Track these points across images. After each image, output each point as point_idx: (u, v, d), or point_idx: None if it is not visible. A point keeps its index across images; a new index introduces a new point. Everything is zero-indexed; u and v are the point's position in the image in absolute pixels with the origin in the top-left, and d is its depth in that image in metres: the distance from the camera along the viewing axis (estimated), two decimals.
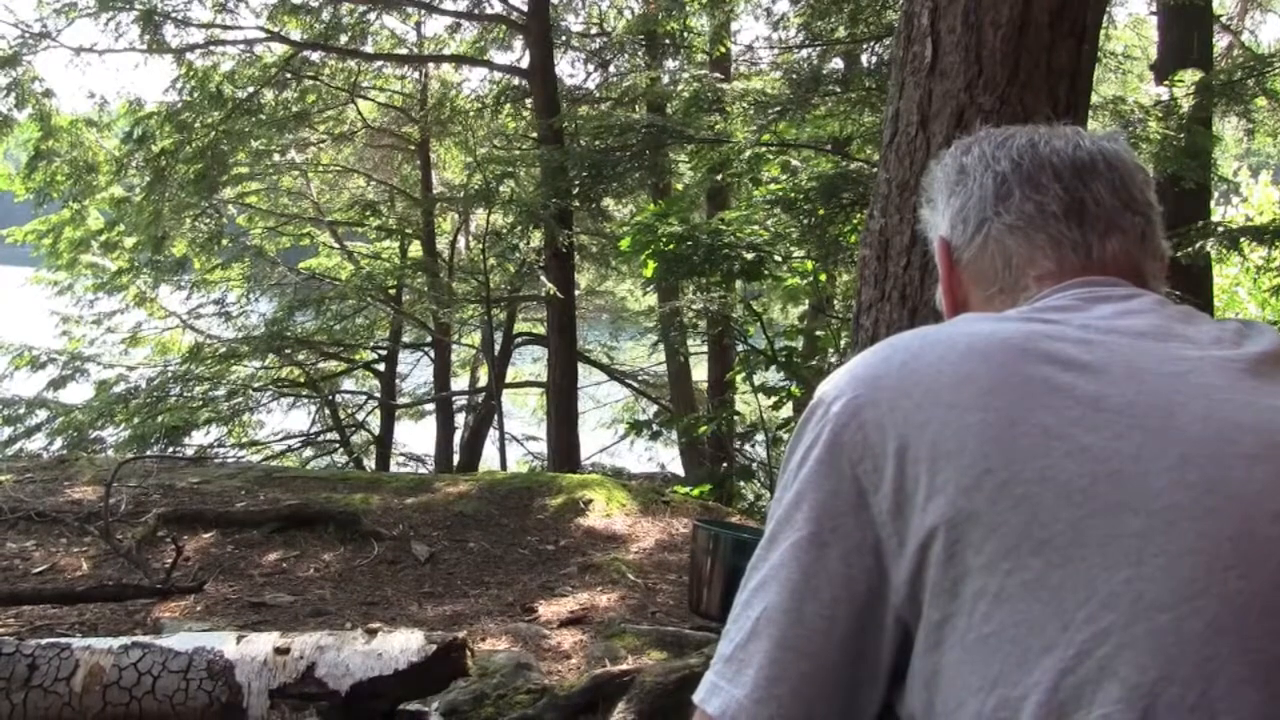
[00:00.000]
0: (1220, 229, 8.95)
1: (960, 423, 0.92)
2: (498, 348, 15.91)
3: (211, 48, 13.57)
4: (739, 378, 10.06)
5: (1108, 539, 0.87)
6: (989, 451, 0.90)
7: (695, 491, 9.09)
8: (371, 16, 14.02)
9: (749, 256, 8.51)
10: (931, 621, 0.91)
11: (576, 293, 14.84)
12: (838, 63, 11.41)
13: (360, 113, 15.96)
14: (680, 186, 14.13)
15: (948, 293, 1.22)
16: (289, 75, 13.89)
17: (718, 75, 11.89)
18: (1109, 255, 1.15)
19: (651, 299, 15.42)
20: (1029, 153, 1.20)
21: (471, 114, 15.32)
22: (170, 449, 12.82)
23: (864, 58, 10.98)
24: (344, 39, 13.75)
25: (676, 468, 15.93)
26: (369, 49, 14.58)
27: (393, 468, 15.83)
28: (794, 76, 10.50)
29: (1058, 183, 1.17)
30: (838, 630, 0.94)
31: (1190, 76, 8.50)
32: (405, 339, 17.32)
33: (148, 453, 10.92)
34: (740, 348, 10.57)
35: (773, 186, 9.55)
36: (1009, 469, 0.89)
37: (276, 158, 15.37)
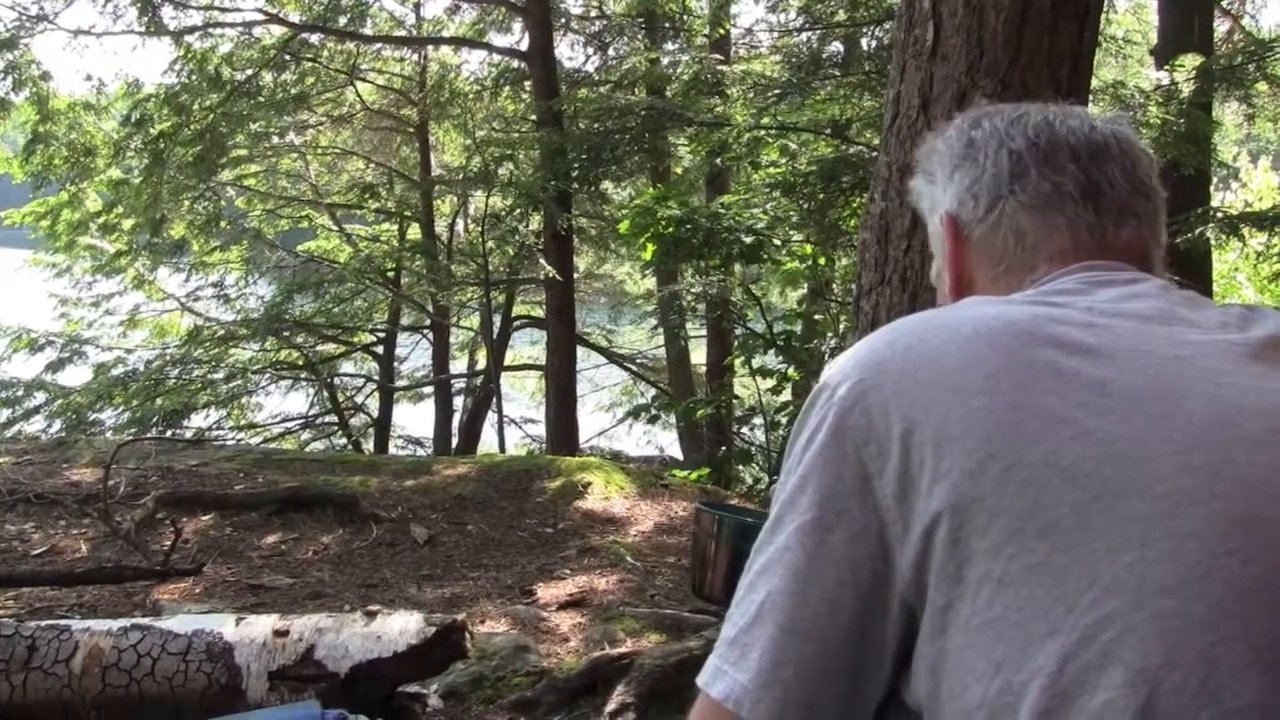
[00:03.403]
0: (1220, 215, 8.94)
1: (965, 407, 0.92)
2: (496, 330, 15.90)
3: (210, 30, 13.53)
4: (738, 361, 10.06)
5: (1112, 523, 0.86)
6: (994, 436, 0.90)
7: (694, 475, 9.09)
8: None
9: (748, 240, 8.51)
10: (936, 606, 0.91)
11: (575, 275, 14.84)
12: (837, 46, 11.39)
13: (359, 95, 15.91)
14: (680, 170, 14.13)
15: (952, 268, 1.21)
16: (287, 57, 13.85)
17: (717, 57, 11.87)
18: (1122, 240, 1.16)
19: (650, 282, 15.41)
20: (1046, 132, 1.19)
21: (470, 96, 15.30)
22: (169, 431, 12.84)
23: (864, 41, 10.96)
24: (343, 21, 13.70)
25: (675, 451, 15.95)
26: (368, 31, 14.55)
27: (391, 450, 15.86)
28: (794, 60, 10.49)
29: (1074, 164, 1.17)
30: (842, 615, 0.94)
31: (1190, 61, 8.48)
32: (404, 321, 17.33)
33: (146, 435, 10.92)
34: (739, 331, 10.56)
35: (772, 170, 9.55)
36: (1014, 453, 0.89)
37: (275, 140, 15.34)
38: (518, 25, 14.70)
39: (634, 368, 17.92)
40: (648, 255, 9.17)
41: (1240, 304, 1.10)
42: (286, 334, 15.23)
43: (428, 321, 16.85)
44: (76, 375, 14.50)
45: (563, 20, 14.70)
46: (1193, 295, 1.08)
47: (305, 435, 16.27)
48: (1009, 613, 0.87)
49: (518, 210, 13.78)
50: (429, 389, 17.16)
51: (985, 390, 0.92)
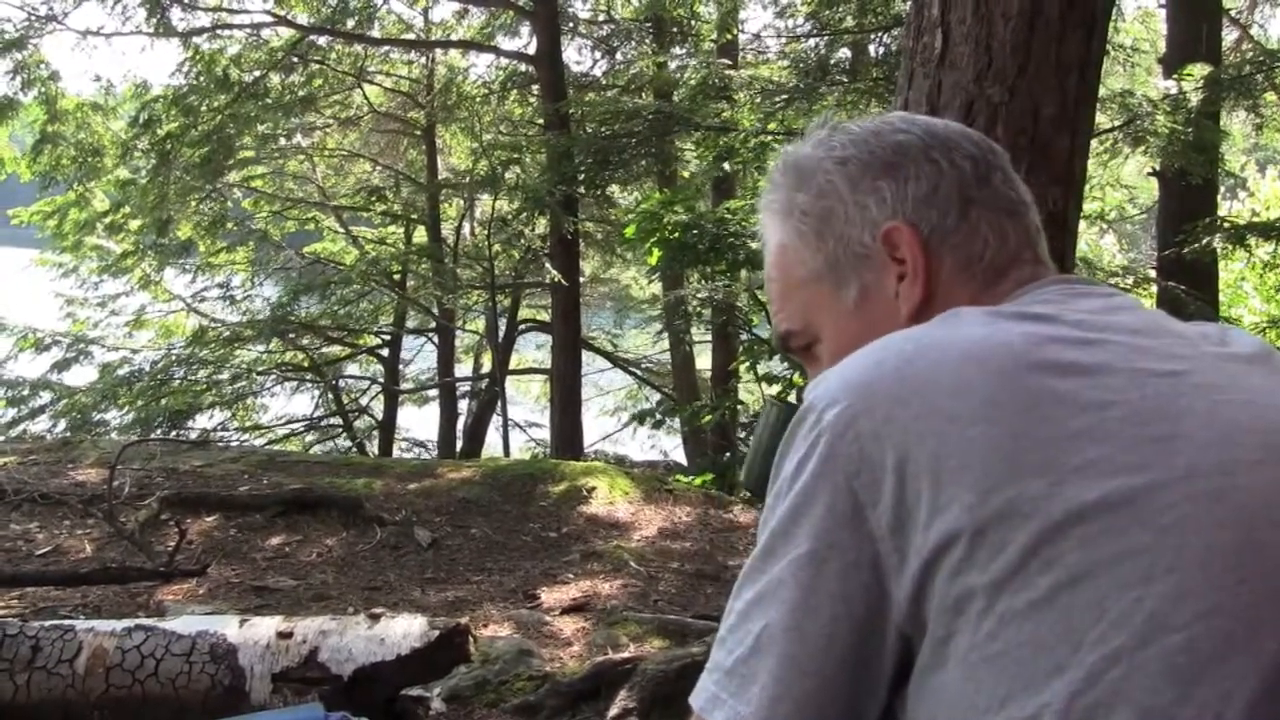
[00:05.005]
0: (1227, 224, 8.94)
1: (962, 437, 0.89)
2: (502, 334, 15.92)
3: (218, 31, 13.56)
4: (743, 367, 10.06)
5: (1116, 557, 0.84)
6: (993, 467, 0.88)
7: (698, 480, 9.09)
8: (379, 1, 14.00)
9: (754, 245, 8.49)
10: (936, 638, 0.89)
11: (581, 279, 14.86)
12: (845, 52, 11.40)
13: (366, 97, 15.94)
14: (686, 174, 14.14)
15: (921, 283, 1.13)
16: (295, 59, 13.87)
17: (725, 62, 11.89)
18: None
19: (656, 287, 15.43)
20: (979, 138, 1.18)
21: (478, 100, 15.29)
22: (174, 432, 12.85)
23: (872, 48, 10.96)
24: (351, 23, 13.72)
25: (679, 456, 15.94)
26: (376, 33, 14.56)
27: (396, 453, 15.87)
28: (801, 65, 10.49)
29: (1014, 173, 1.18)
30: (838, 647, 0.92)
31: (1198, 70, 8.47)
32: (409, 324, 17.34)
33: (151, 436, 10.93)
34: (744, 337, 10.56)
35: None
36: (1015, 486, 0.87)
37: (282, 141, 15.37)
38: (525, 29, 14.73)
39: (639, 372, 17.93)
40: (653, 260, 9.18)
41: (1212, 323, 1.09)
42: (292, 335, 15.24)
43: (433, 324, 16.87)
44: (82, 375, 14.53)
45: (570, 24, 14.72)
46: (1160, 311, 1.08)
47: (310, 437, 16.30)
48: (1012, 648, 0.85)
49: (524, 214, 13.80)
50: (434, 392, 17.18)
51: (982, 419, 0.89)
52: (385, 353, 17.17)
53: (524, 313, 17.24)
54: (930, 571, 0.89)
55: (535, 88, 14.53)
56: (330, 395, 16.25)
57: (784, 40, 13.23)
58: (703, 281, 10.09)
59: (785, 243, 1.21)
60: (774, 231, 1.23)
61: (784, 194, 1.22)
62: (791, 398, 9.38)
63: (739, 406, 11.10)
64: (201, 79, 13.30)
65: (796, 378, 9.04)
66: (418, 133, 16.37)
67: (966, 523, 0.87)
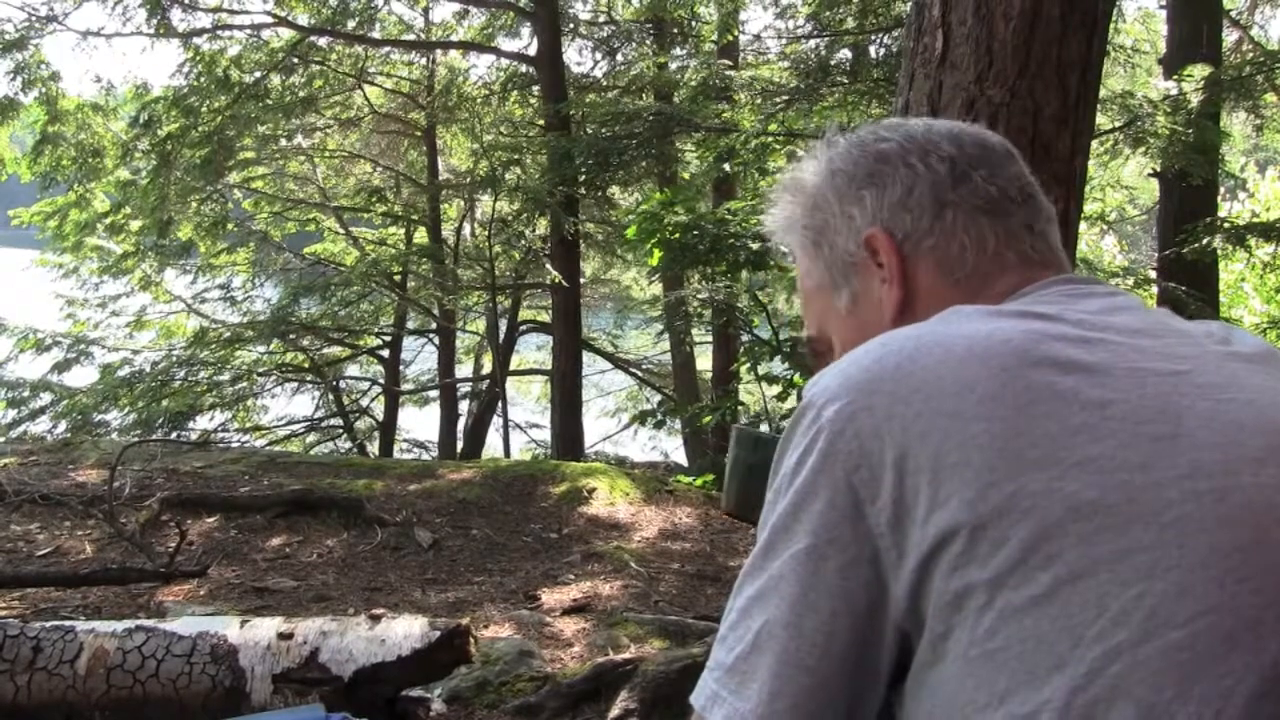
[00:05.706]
0: (1227, 225, 8.95)
1: (963, 433, 0.89)
2: (502, 335, 15.92)
3: (219, 32, 13.55)
4: (743, 368, 10.06)
5: (1118, 554, 0.85)
6: (994, 464, 0.88)
7: (698, 481, 9.09)
8: (379, 1, 14.00)
9: (755, 246, 8.50)
10: (935, 634, 0.90)
11: (582, 280, 14.86)
12: (846, 53, 11.41)
13: (367, 98, 15.93)
14: (687, 175, 14.13)
15: (898, 287, 1.15)
16: (296, 60, 13.85)
17: (725, 63, 11.89)
18: (1053, 241, 1.18)
19: (656, 288, 15.43)
20: (966, 136, 1.19)
21: (478, 100, 15.30)
22: (174, 433, 12.84)
23: (872, 49, 10.97)
24: (351, 24, 13.71)
25: (680, 457, 15.96)
26: (376, 34, 14.55)
27: (396, 454, 15.86)
28: (802, 66, 10.50)
29: (1005, 167, 1.18)
30: (837, 643, 0.92)
31: (1199, 71, 8.48)
32: (410, 325, 17.35)
33: (152, 437, 10.93)
34: (745, 338, 10.56)
35: (779, 177, 9.55)
36: (1015, 482, 0.87)
37: (283, 142, 15.35)
38: (526, 30, 14.74)
39: (639, 373, 17.94)
40: (654, 261, 9.18)
41: (1215, 322, 1.09)
42: (292, 336, 15.22)
43: (433, 325, 16.87)
44: (83, 376, 14.51)
45: (571, 25, 14.72)
46: (1165, 309, 1.08)
47: (310, 438, 16.29)
48: (1012, 644, 0.85)
49: (524, 214, 13.81)
50: (434, 393, 17.18)
51: (984, 416, 0.90)
52: (386, 354, 17.17)
53: (524, 314, 17.24)
54: (929, 567, 0.89)
55: (536, 89, 14.53)
56: (331, 396, 16.25)
57: (785, 41, 13.23)
58: (703, 282, 10.09)
59: (797, 255, 1.27)
60: (791, 245, 1.29)
61: (789, 210, 1.27)
62: (791, 401, 9.39)
63: (739, 407, 11.09)
64: (202, 80, 13.30)
65: (797, 378, 9.05)
66: (418, 134, 16.36)
67: (966, 518, 0.87)
